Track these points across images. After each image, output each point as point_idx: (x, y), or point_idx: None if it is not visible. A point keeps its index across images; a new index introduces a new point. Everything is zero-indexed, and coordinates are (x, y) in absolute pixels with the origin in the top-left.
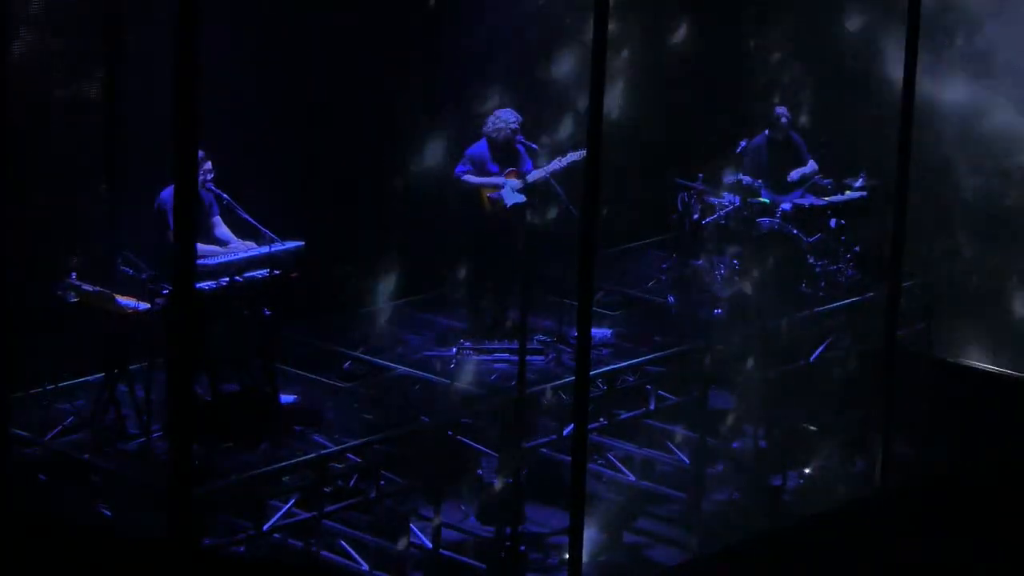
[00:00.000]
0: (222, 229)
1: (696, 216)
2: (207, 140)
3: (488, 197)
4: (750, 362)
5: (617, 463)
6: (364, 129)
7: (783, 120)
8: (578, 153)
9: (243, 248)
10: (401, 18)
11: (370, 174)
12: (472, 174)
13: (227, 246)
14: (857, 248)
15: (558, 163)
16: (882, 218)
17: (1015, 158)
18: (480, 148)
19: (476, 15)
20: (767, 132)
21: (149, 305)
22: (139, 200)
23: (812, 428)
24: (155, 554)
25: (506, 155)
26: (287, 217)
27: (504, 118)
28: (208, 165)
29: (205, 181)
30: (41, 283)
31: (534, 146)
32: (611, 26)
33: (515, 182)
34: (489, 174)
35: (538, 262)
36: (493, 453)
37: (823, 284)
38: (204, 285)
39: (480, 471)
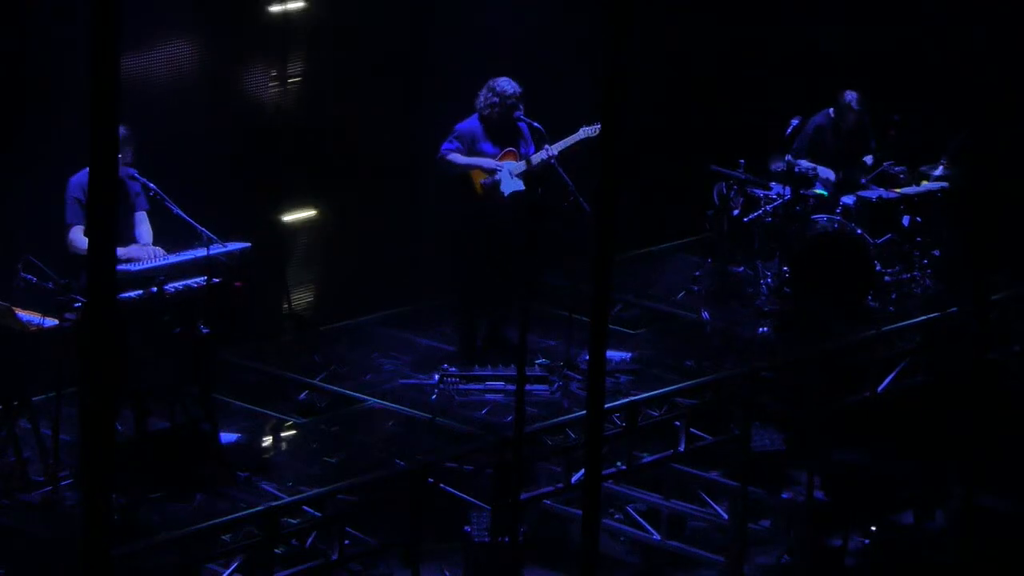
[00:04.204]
0: (141, 229)
1: (736, 212)
2: (134, 117)
3: (480, 183)
4: (804, 393)
5: (639, 518)
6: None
7: (853, 107)
8: (591, 128)
9: (159, 253)
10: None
11: (330, 159)
12: (461, 153)
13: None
14: (937, 252)
15: (566, 142)
16: (967, 215)
17: None
18: (472, 123)
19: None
20: (830, 112)
21: (57, 321)
22: (46, 188)
23: (880, 475)
24: None
25: (504, 134)
26: (229, 213)
27: (499, 90)
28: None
29: (128, 166)
30: None
31: (538, 125)
32: None
33: (514, 164)
34: (482, 155)
35: (541, 267)
36: (484, 506)
37: (894, 296)
38: (127, 296)
39: (468, 528)
